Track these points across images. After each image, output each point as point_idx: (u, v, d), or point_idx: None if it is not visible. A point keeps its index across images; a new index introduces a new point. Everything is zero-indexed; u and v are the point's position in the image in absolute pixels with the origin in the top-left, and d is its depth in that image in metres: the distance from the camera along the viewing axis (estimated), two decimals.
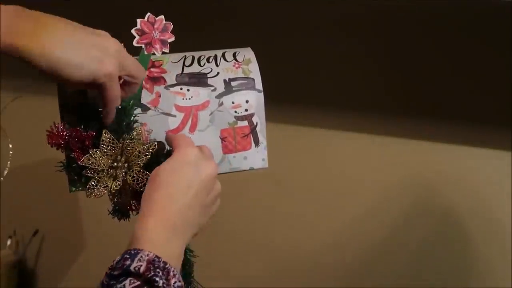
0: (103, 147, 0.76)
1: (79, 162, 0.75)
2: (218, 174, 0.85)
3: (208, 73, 0.84)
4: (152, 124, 0.81)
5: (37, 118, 1.47)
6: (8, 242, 1.52)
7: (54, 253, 1.52)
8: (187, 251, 0.84)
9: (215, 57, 0.86)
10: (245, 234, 1.35)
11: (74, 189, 0.79)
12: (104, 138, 0.76)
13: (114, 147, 0.76)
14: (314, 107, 1.26)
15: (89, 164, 0.75)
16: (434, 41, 1.14)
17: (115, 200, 0.77)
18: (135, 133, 0.77)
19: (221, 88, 0.84)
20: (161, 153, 0.79)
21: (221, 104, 0.83)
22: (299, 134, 1.28)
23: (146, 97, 0.81)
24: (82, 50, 0.66)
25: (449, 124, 1.17)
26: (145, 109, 0.81)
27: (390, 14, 1.14)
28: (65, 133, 0.76)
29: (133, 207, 0.78)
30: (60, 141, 0.76)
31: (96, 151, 0.76)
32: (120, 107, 0.76)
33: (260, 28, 1.24)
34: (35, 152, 1.47)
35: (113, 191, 0.76)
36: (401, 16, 1.14)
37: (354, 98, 1.22)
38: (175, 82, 0.83)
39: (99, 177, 0.76)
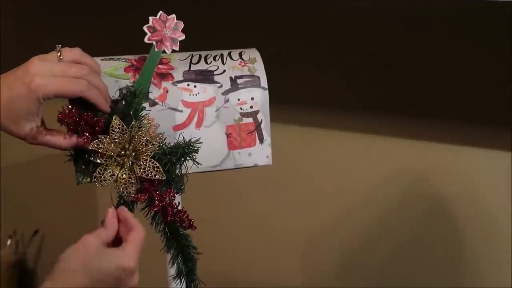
0: (112, 133, 0.78)
1: (88, 146, 0.77)
2: (223, 170, 0.86)
3: (215, 70, 0.86)
4: (159, 119, 0.82)
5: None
6: (8, 242, 1.52)
7: (54, 253, 1.52)
8: (191, 248, 0.85)
9: (221, 55, 0.88)
10: (245, 231, 1.36)
11: (80, 178, 0.80)
12: (114, 124, 0.78)
13: (123, 134, 0.78)
14: (312, 107, 1.27)
15: (98, 149, 0.77)
16: (433, 40, 1.16)
17: (121, 190, 0.78)
18: (144, 120, 0.79)
19: (227, 85, 0.86)
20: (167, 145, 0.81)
21: (227, 100, 0.85)
22: (296, 133, 1.29)
23: (154, 92, 0.83)
24: (7, 90, 0.73)
25: (449, 124, 1.18)
26: (152, 104, 0.82)
27: (390, 14, 1.16)
28: (75, 115, 0.77)
29: (140, 198, 0.79)
30: (69, 120, 0.77)
31: (105, 137, 0.77)
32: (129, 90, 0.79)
33: (261, 29, 1.25)
34: (35, 152, 1.48)
35: (120, 180, 0.77)
36: (401, 16, 1.16)
37: (354, 98, 1.23)
38: (182, 78, 0.85)
39: (107, 165, 0.77)
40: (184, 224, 0.83)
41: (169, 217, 0.82)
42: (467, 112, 1.16)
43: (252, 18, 1.25)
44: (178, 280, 0.88)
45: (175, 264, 0.86)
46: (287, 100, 1.22)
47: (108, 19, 1.33)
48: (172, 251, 0.85)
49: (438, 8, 1.12)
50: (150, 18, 0.81)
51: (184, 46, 0.83)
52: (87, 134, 0.78)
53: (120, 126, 0.78)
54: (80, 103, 0.79)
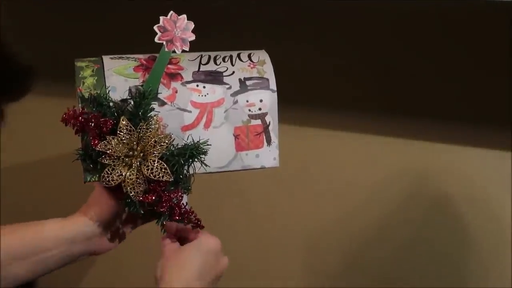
0: (120, 134, 0.77)
1: (96, 147, 0.76)
2: (230, 171, 0.86)
3: (224, 71, 0.86)
4: (168, 119, 0.82)
5: (39, 118, 1.47)
6: None
7: None
8: None
9: (231, 57, 0.88)
10: (248, 230, 1.36)
11: (88, 178, 0.80)
12: (121, 125, 0.77)
13: (131, 134, 0.78)
14: (315, 108, 1.27)
15: (106, 150, 0.76)
16: (433, 40, 1.16)
17: (128, 190, 0.78)
18: (152, 121, 0.79)
19: (236, 86, 0.85)
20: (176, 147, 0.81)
21: (235, 102, 0.85)
22: (297, 134, 1.29)
23: (163, 93, 0.83)
24: None
25: (450, 124, 1.18)
26: (161, 104, 0.82)
27: (391, 14, 1.16)
28: (82, 116, 0.77)
29: (148, 199, 0.79)
30: (75, 122, 0.77)
31: (113, 138, 0.77)
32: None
33: (271, 30, 1.25)
34: (35, 152, 1.46)
35: (128, 180, 0.77)
36: (402, 16, 1.16)
37: (357, 99, 1.23)
38: (191, 79, 0.84)
39: (114, 165, 0.77)
40: (191, 224, 0.83)
41: (176, 217, 0.82)
42: (467, 112, 1.16)
43: (262, 19, 1.24)
44: None
45: None
46: (292, 102, 1.23)
47: (116, 18, 1.32)
48: None
49: (438, 8, 1.12)
50: (161, 18, 0.81)
51: (194, 46, 0.83)
52: (95, 136, 0.77)
53: (128, 127, 0.78)
54: (90, 103, 0.79)
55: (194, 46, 0.84)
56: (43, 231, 0.81)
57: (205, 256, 0.79)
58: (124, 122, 0.78)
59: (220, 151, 0.85)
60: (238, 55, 0.88)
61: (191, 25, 0.82)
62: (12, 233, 0.80)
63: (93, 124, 0.78)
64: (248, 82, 0.86)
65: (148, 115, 0.80)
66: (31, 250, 0.80)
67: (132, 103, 0.80)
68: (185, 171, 0.82)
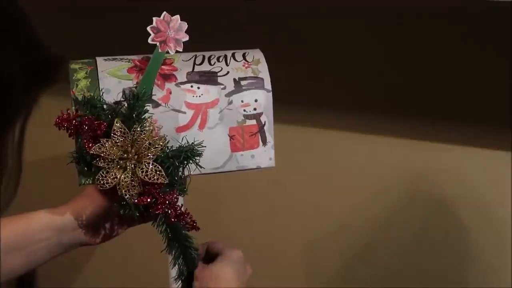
0: (114, 136, 0.77)
1: (90, 150, 0.76)
2: (226, 172, 0.86)
3: (218, 71, 0.85)
4: (162, 120, 0.82)
5: (37, 120, 1.47)
6: None
7: None
8: (192, 249, 0.85)
9: (225, 56, 0.87)
10: (246, 231, 1.36)
11: (83, 181, 0.80)
12: (115, 128, 0.77)
13: (125, 137, 0.77)
14: (314, 108, 1.27)
15: (100, 153, 0.76)
16: (433, 41, 1.16)
17: (123, 192, 0.78)
18: (146, 123, 0.78)
19: (230, 86, 0.85)
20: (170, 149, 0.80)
21: (230, 102, 0.84)
22: (297, 134, 1.29)
23: (157, 94, 0.82)
24: None
25: (450, 124, 1.18)
26: (155, 105, 0.82)
27: (391, 14, 1.16)
28: (76, 119, 0.77)
29: (143, 201, 0.79)
30: (69, 124, 0.77)
31: (107, 141, 0.77)
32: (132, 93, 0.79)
33: (265, 30, 1.25)
34: (35, 153, 1.47)
35: (122, 183, 0.77)
36: (402, 16, 1.16)
37: (357, 99, 1.23)
38: (185, 79, 0.84)
39: (109, 168, 0.77)
40: (187, 226, 0.83)
41: (172, 219, 0.81)
42: (467, 112, 1.16)
43: (256, 19, 1.24)
44: (180, 281, 0.88)
45: (177, 265, 0.86)
46: (289, 101, 1.22)
47: (111, 19, 1.32)
48: (173, 252, 0.85)
49: (437, 8, 1.12)
50: (154, 18, 0.80)
51: (188, 47, 0.82)
52: (89, 139, 0.77)
53: (122, 129, 0.77)
54: (84, 105, 0.78)
55: (194, 46, 0.84)
56: (34, 221, 0.81)
57: (235, 265, 0.85)
58: (118, 125, 0.77)
59: (215, 152, 0.84)
60: (233, 55, 0.87)
61: (185, 26, 0.81)
62: (5, 226, 0.79)
63: (86, 126, 0.77)
64: (242, 82, 0.85)
65: (142, 117, 0.79)
66: (24, 242, 0.80)
67: (126, 105, 0.80)
68: (180, 173, 0.81)
